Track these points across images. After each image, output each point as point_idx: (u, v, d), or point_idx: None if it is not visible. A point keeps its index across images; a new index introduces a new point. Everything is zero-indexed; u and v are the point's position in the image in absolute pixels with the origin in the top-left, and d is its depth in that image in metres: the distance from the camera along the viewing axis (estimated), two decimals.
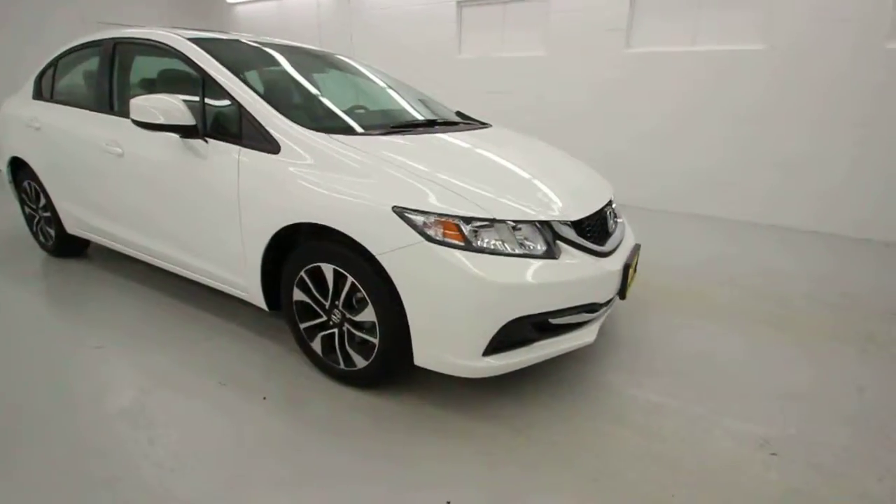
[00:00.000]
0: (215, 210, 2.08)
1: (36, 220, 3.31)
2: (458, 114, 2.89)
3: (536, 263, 1.65)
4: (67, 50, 2.91)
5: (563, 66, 5.34)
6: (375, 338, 1.80)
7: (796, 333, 2.52)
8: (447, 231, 1.59)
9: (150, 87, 2.50)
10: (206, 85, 2.10)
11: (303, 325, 2.02)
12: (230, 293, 2.28)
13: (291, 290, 1.98)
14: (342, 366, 1.95)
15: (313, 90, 2.42)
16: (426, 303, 1.63)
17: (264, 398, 1.92)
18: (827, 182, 4.33)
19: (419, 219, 1.59)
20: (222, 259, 2.18)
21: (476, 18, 5.87)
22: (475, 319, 1.61)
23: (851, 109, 4.12)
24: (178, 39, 2.26)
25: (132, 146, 2.37)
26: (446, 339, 1.67)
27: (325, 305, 1.91)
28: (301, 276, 1.93)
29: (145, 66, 2.55)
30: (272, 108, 1.96)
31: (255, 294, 2.13)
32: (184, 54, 2.20)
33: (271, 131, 1.92)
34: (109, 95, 2.58)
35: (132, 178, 2.41)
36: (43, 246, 3.38)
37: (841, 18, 4.00)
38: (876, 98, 4.02)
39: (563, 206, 1.83)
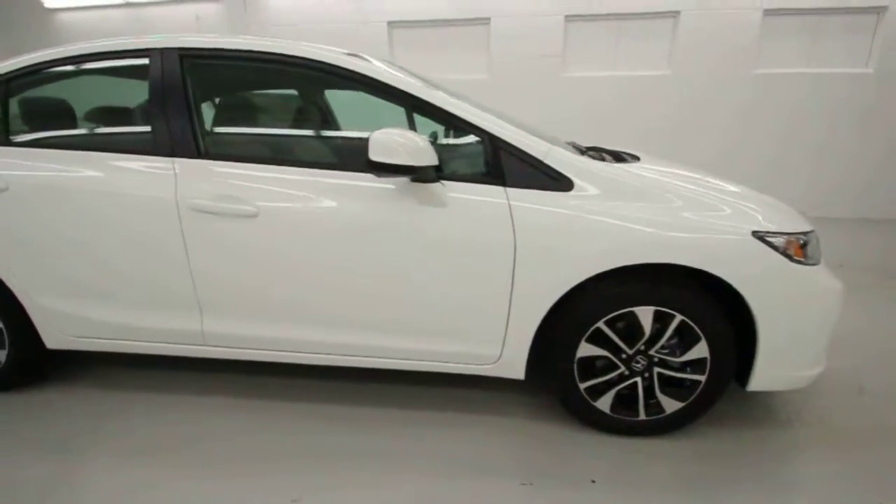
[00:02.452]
0: (465, 270, 1.63)
1: None
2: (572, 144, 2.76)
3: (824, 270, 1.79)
4: (38, 63, 1.85)
5: (505, 88, 5.62)
6: (702, 375, 1.68)
7: None
8: (796, 249, 1.61)
9: (259, 118, 1.79)
10: (420, 114, 1.64)
11: (585, 385, 1.74)
12: (441, 370, 1.80)
13: (572, 348, 1.69)
14: (641, 416, 1.75)
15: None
16: (784, 324, 1.61)
17: (593, 481, 1.60)
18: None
19: (778, 240, 1.57)
20: (462, 330, 1.72)
21: (408, 39, 5.74)
22: (825, 328, 1.66)
23: (730, 121, 5.41)
24: (348, 58, 1.69)
25: (278, 200, 1.68)
26: (794, 355, 1.67)
27: (628, 354, 1.70)
28: (597, 328, 1.67)
29: (236, 89, 1.82)
30: (540, 139, 1.65)
31: (511, 363, 1.74)
32: (371, 77, 1.66)
33: (556, 166, 1.61)
34: (198, 134, 1.75)
35: (273, 245, 1.69)
36: None
37: (721, 50, 5.23)
38: (746, 112, 5.37)
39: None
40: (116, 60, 1.86)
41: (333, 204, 1.65)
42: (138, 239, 1.76)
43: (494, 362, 1.76)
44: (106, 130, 2.02)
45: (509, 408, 1.97)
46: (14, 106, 1.90)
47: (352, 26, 5.66)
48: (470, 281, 1.65)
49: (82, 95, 1.95)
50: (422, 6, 5.49)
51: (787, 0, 4.96)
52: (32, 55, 1.87)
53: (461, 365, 1.79)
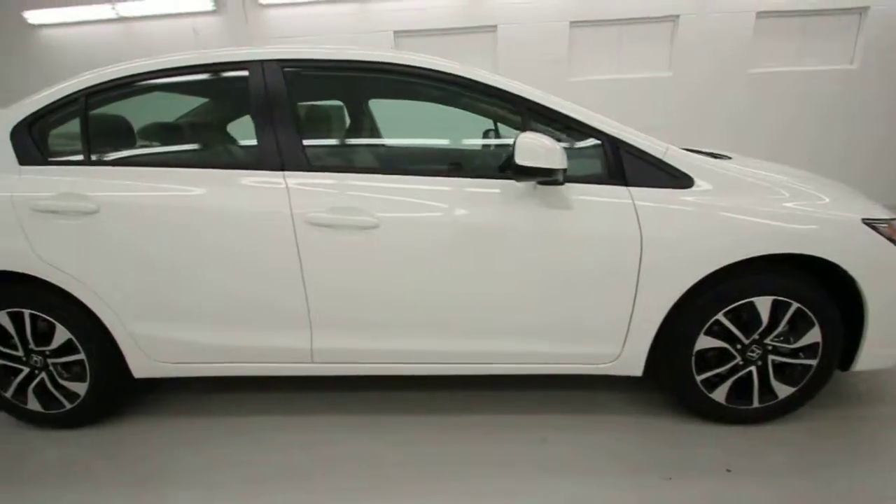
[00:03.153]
0: (592, 270, 1.64)
1: (22, 378, 1.87)
2: None
3: None
4: (124, 77, 1.77)
5: None
6: (814, 359, 1.75)
7: None
8: (893, 233, 1.70)
9: (364, 128, 1.76)
10: (535, 118, 1.66)
11: (701, 377, 1.78)
12: (558, 372, 1.82)
13: (691, 341, 1.73)
14: (755, 404, 1.81)
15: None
16: (890, 306, 1.70)
17: (728, 471, 1.63)
18: None
19: (883, 227, 1.66)
20: (585, 330, 1.73)
21: (415, 48, 5.74)
22: None
23: (730, 118, 5.66)
24: (466, 67, 1.68)
25: (400, 210, 1.66)
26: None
27: (743, 344, 1.75)
28: (716, 320, 1.71)
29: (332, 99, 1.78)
30: (656, 139, 1.69)
31: (631, 361, 1.76)
32: (487, 84, 1.66)
33: (675, 164, 1.65)
34: (306, 146, 1.70)
35: (395, 254, 1.66)
36: (36, 417, 1.94)
37: (718, 50, 5.47)
38: (744, 108, 5.63)
39: None
40: (210, 73, 1.80)
41: (462, 211, 1.64)
42: (247, 256, 1.70)
43: (613, 360, 1.78)
44: (201, 146, 1.94)
45: (624, 406, 1.99)
46: (96, 122, 1.80)
47: (356, 36, 5.63)
48: (596, 281, 1.67)
49: (170, 110, 1.87)
50: (428, 15, 5.52)
51: (779, 3, 5.25)
52: (115, 68, 1.79)
53: (580, 365, 1.80)
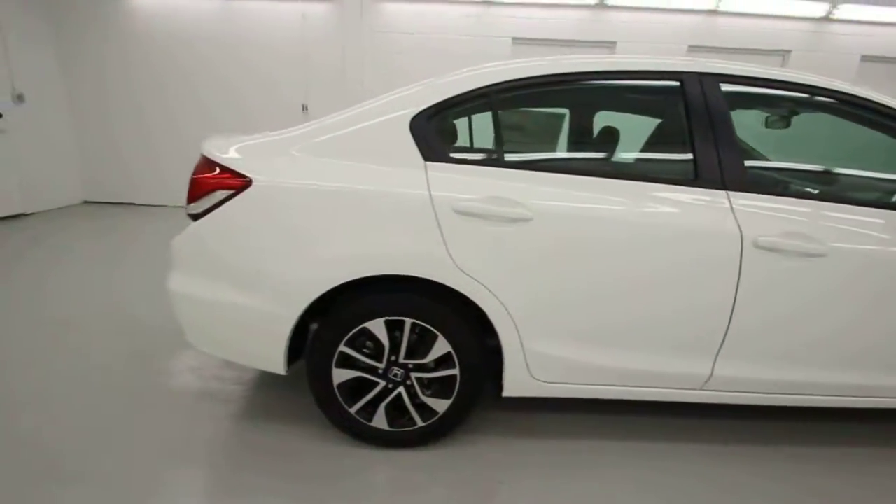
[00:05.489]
0: None
1: (378, 392, 1.70)
2: None
3: None
4: (544, 76, 1.64)
5: None
6: None
7: None
8: None
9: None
10: None
11: None
12: None
13: None
14: None
15: None
16: None
17: None
18: None
19: None
20: None
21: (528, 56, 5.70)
22: None
23: None
24: None
25: (847, 241, 1.59)
26: None
27: None
28: None
29: None
30: None
31: None
32: None
33: None
34: (740, 165, 1.63)
35: (842, 288, 1.61)
36: (376, 435, 1.76)
37: None
38: None
39: None
40: (632, 80, 1.70)
41: None
42: (679, 277, 1.59)
43: None
44: (624, 156, 1.82)
45: None
46: (506, 120, 1.67)
47: (474, 39, 5.54)
48: None
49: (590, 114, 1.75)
50: (549, 25, 5.50)
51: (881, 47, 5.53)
52: (526, 64, 1.66)
53: None
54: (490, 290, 1.59)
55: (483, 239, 1.56)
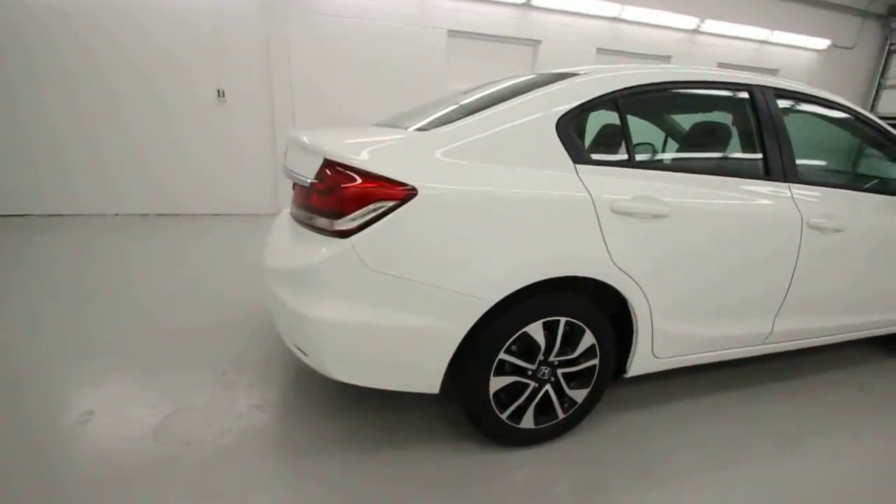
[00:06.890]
0: None
1: (528, 392, 1.73)
2: None
3: None
4: (651, 84, 1.79)
5: None
6: None
7: None
8: None
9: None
10: None
11: None
12: None
13: None
14: None
15: None
16: None
17: None
18: None
19: None
20: None
21: (461, 48, 5.79)
22: None
23: None
24: None
25: (863, 222, 2.12)
26: None
27: None
28: None
29: None
30: None
31: None
32: None
33: None
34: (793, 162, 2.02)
35: (859, 258, 2.15)
36: (524, 436, 1.79)
37: None
38: None
39: None
40: (716, 90, 1.97)
41: None
42: (758, 256, 1.93)
43: None
44: (722, 155, 2.03)
45: None
46: (632, 123, 1.78)
47: (409, 28, 5.44)
48: None
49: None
50: (483, 20, 5.66)
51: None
52: (649, 70, 1.82)
53: None
54: (636, 282, 1.73)
55: (632, 236, 1.69)
